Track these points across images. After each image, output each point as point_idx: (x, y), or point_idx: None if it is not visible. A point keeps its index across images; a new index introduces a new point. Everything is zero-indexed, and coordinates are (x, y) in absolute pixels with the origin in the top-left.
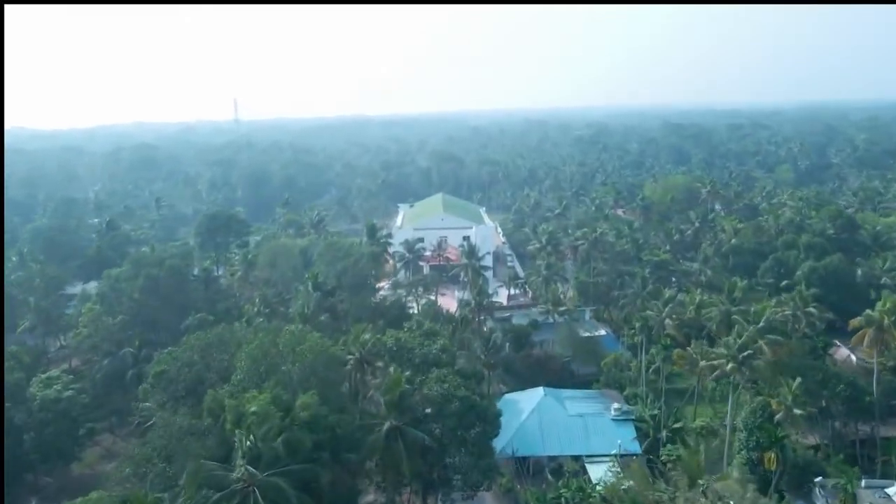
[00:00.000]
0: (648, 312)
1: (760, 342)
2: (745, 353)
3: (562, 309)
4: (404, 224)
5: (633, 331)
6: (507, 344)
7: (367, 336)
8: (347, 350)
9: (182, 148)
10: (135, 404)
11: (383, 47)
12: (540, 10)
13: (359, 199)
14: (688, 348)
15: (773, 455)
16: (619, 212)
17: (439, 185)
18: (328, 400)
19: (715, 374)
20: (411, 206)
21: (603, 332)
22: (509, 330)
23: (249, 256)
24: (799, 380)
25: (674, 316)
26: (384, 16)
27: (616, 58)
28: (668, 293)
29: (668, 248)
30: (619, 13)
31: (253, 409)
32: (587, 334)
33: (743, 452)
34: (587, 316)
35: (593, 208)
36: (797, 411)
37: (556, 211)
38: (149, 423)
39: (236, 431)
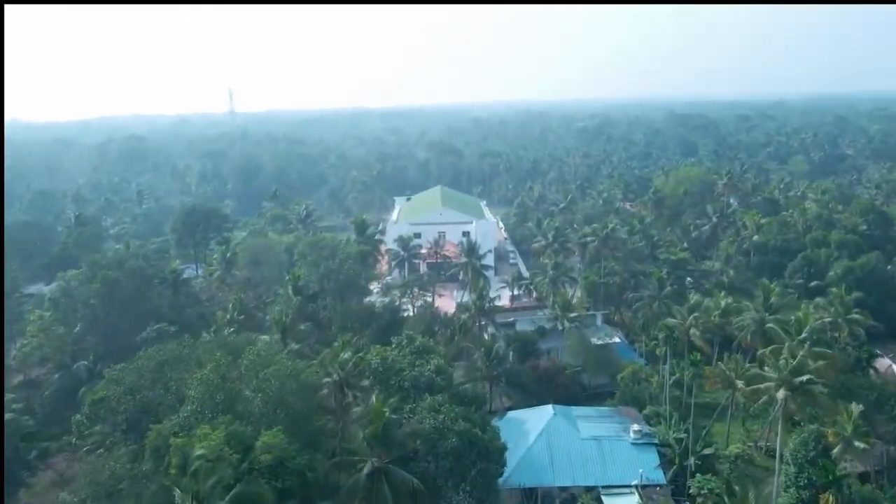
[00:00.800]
0: (671, 320)
1: (813, 362)
2: (802, 379)
3: (572, 315)
4: (400, 218)
5: (654, 341)
6: (511, 353)
7: (346, 355)
8: (325, 371)
9: (174, 140)
10: (67, 438)
11: (384, 45)
12: (540, 9)
13: (353, 192)
14: (719, 364)
15: (830, 497)
16: (627, 206)
17: (438, 177)
18: (299, 435)
19: (762, 400)
20: (408, 199)
21: (617, 340)
22: (513, 338)
23: (228, 255)
24: (860, 406)
25: (700, 324)
26: (385, 15)
27: (614, 51)
28: (693, 298)
29: (685, 245)
30: (618, 12)
31: (200, 452)
32: (599, 342)
33: (792, 490)
34: (598, 320)
35: (601, 202)
36: (858, 444)
37: (562, 205)
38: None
39: (176, 489)
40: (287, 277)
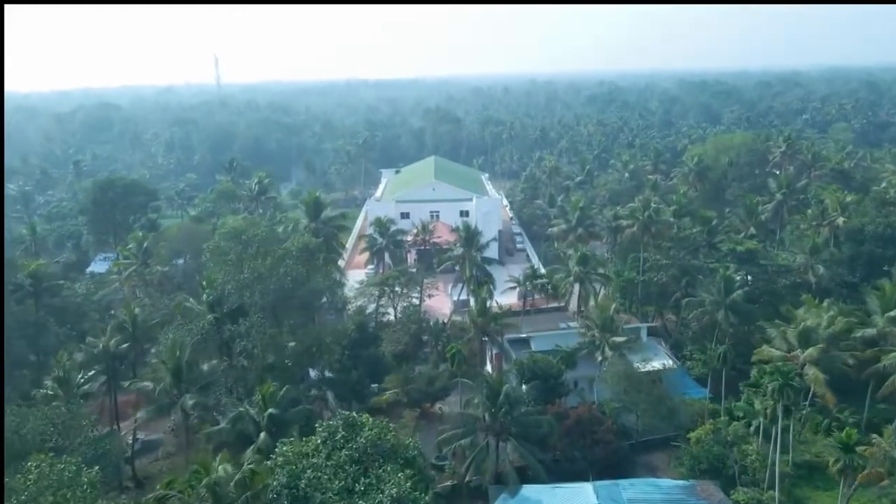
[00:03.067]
0: (773, 351)
1: None
2: None
3: (618, 340)
4: (385, 195)
5: (753, 388)
6: (524, 386)
7: (223, 469)
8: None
9: (152, 109)
10: None
11: (379, 14)
12: None
13: (336, 163)
14: (875, 438)
15: None
16: (655, 178)
17: (434, 147)
18: None
19: None
20: (397, 172)
21: (671, 364)
22: (529, 368)
23: (146, 245)
24: None
25: (821, 359)
26: None
27: (613, 24)
28: (805, 318)
29: (751, 231)
30: None
31: None
32: (647, 367)
33: None
34: (643, 335)
35: (627, 175)
36: None
37: (578, 178)
38: None
39: None
40: (204, 284)
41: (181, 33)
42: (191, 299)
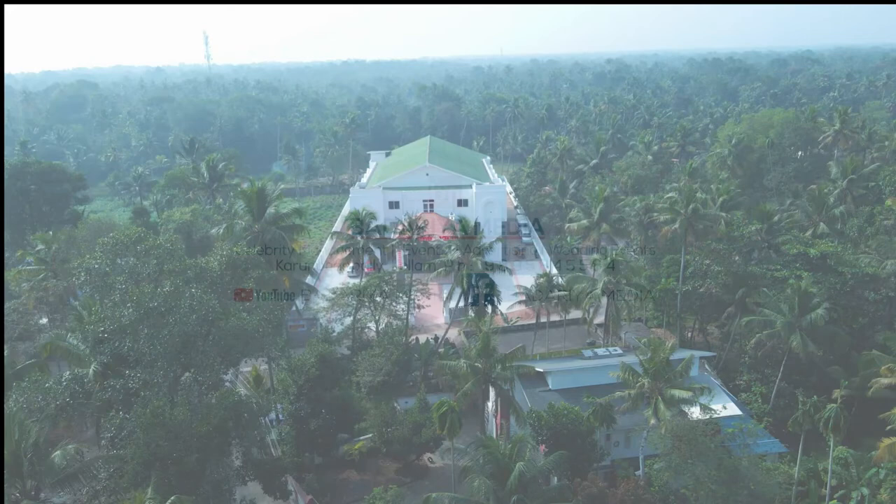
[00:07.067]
0: None
1: None
2: None
3: (679, 395)
4: (371, 181)
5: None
6: (541, 446)
7: None
8: None
9: (133, 88)
10: None
11: None
12: None
13: (321, 146)
14: None
15: None
16: (675, 161)
17: (431, 128)
18: None
19: None
20: (388, 154)
21: (734, 407)
22: (549, 425)
23: (54, 248)
24: None
25: None
26: None
27: (613, 7)
28: None
29: (821, 226)
30: None
31: None
32: (702, 413)
33: None
34: (695, 367)
35: (650, 157)
36: None
37: (593, 161)
38: None
39: None
40: (86, 315)
41: (180, 16)
42: (73, 335)
